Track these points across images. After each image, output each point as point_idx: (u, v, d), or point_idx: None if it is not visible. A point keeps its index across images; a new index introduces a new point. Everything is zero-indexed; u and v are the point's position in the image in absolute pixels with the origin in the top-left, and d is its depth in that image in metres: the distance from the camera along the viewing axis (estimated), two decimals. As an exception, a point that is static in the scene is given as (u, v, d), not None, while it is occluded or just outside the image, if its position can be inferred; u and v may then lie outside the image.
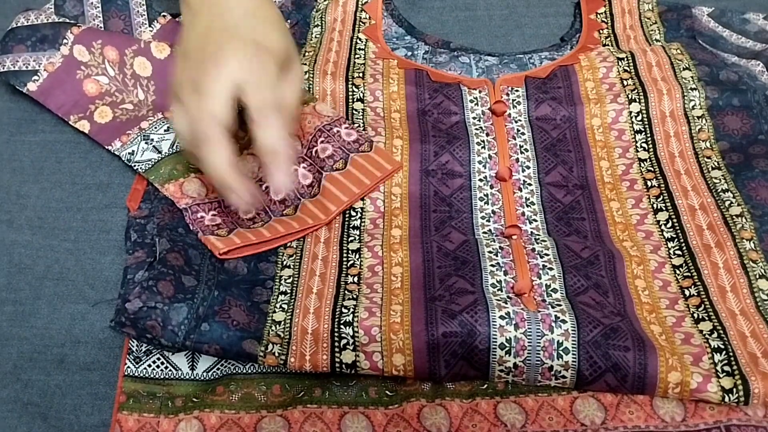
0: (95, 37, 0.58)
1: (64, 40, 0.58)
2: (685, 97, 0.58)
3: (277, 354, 0.44)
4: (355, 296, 0.47)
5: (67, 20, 0.60)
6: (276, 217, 0.52)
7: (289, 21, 0.66)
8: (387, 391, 0.45)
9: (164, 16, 0.62)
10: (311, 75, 0.61)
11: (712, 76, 0.59)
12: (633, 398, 0.44)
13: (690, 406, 0.44)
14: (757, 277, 0.47)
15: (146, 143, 0.54)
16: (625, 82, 0.60)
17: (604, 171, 0.56)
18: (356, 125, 0.57)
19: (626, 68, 0.61)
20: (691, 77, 0.59)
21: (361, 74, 0.62)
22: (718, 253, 0.49)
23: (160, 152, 0.54)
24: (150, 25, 0.62)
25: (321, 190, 0.53)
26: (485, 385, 0.45)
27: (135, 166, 0.54)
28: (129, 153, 0.54)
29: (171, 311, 0.45)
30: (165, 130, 0.55)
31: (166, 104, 0.56)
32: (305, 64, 0.62)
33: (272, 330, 0.45)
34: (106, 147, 0.56)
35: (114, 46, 0.58)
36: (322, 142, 0.54)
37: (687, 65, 0.60)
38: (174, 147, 0.54)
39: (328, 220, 0.52)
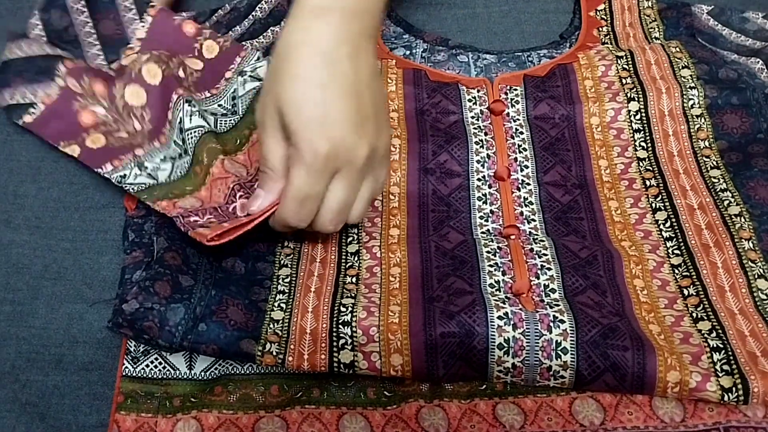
0: (85, 71, 0.57)
1: (57, 72, 0.57)
2: (684, 96, 0.58)
3: (275, 353, 0.44)
4: (353, 294, 0.47)
5: (59, 50, 0.58)
6: None
7: (284, 21, 0.66)
8: (385, 392, 0.45)
9: (152, 6, 0.61)
10: None
11: (711, 75, 0.59)
12: (632, 399, 0.44)
13: (689, 407, 0.43)
14: (756, 276, 0.47)
15: (139, 170, 0.52)
16: (623, 81, 0.60)
17: (602, 170, 0.56)
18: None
19: (625, 66, 0.61)
20: (690, 76, 0.59)
21: None
22: (717, 253, 0.49)
23: (155, 179, 0.52)
24: (141, 20, 0.60)
25: None
26: (484, 386, 0.45)
27: (126, 187, 0.52)
28: (120, 176, 0.52)
29: (168, 312, 0.45)
30: (161, 160, 0.53)
31: (161, 130, 0.54)
32: None
33: (270, 328, 0.45)
34: (95, 170, 0.53)
35: (101, 80, 0.56)
36: None
37: (686, 63, 0.60)
38: (171, 177, 0.52)
39: None
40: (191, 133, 0.53)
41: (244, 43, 0.65)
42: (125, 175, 0.52)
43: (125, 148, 0.54)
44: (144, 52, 0.57)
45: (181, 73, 0.57)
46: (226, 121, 0.56)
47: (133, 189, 0.51)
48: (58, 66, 0.56)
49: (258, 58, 0.58)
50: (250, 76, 0.57)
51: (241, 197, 0.50)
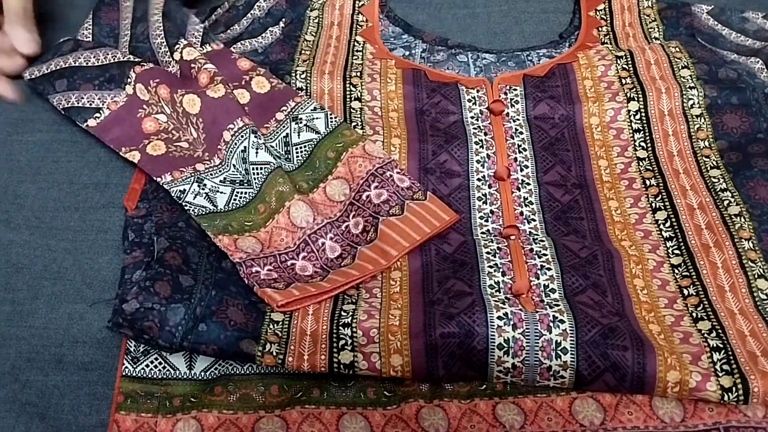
0: (153, 75, 0.57)
1: (128, 80, 0.58)
2: (684, 96, 0.58)
3: (275, 354, 0.44)
4: (354, 300, 0.47)
5: (132, 59, 0.59)
6: (334, 269, 0.50)
7: (283, 19, 0.66)
8: (385, 392, 0.45)
9: (217, 43, 0.62)
10: (309, 75, 0.60)
11: (711, 75, 0.59)
12: (632, 399, 0.44)
13: (689, 407, 0.43)
14: (756, 276, 0.47)
15: (199, 186, 0.52)
16: (623, 81, 0.60)
17: (602, 170, 0.56)
18: (406, 172, 0.54)
19: (624, 66, 0.61)
20: (690, 76, 0.59)
21: (358, 74, 0.61)
22: (717, 253, 0.49)
23: (215, 205, 0.51)
24: (202, 47, 0.62)
25: (379, 235, 0.51)
26: (484, 386, 0.45)
27: (186, 206, 0.51)
28: (179, 191, 0.52)
29: (168, 312, 0.45)
30: (221, 181, 0.52)
31: (217, 145, 0.54)
32: (302, 66, 0.62)
33: (270, 329, 0.45)
34: (155, 178, 0.53)
35: (166, 84, 0.57)
36: (376, 187, 0.52)
37: (686, 63, 0.60)
38: (230, 205, 0.52)
39: (389, 264, 0.49)
40: (257, 168, 0.53)
41: (243, 41, 0.65)
42: (184, 190, 0.52)
43: (185, 160, 0.54)
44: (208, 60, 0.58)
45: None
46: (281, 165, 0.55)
47: (193, 211, 0.51)
48: (130, 73, 0.57)
49: (314, 108, 0.57)
50: (306, 125, 0.56)
51: (303, 258, 0.49)
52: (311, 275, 0.49)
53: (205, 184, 0.52)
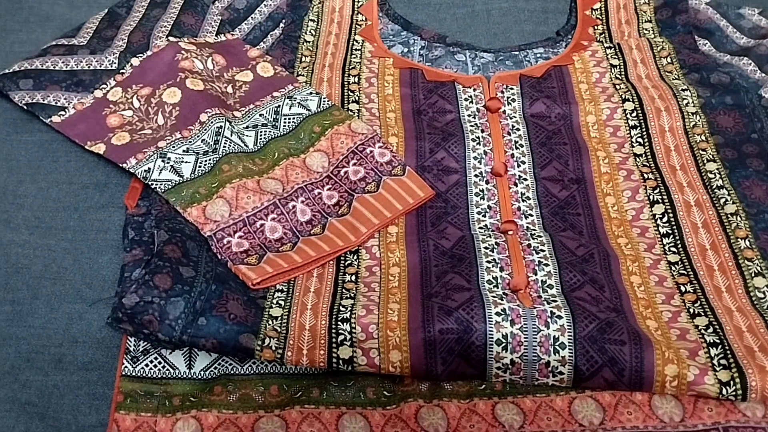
0: (137, 81, 0.59)
1: (103, 86, 0.59)
2: (677, 96, 0.58)
3: (274, 348, 0.44)
4: (352, 295, 0.47)
5: (109, 68, 0.60)
6: (304, 237, 0.51)
7: (284, 21, 0.66)
8: (385, 392, 0.45)
9: (232, 34, 0.65)
10: (309, 79, 0.62)
11: (703, 81, 0.60)
12: (631, 399, 0.44)
13: (689, 407, 0.43)
14: (753, 275, 0.48)
15: (163, 161, 0.53)
16: (617, 86, 0.61)
17: (600, 160, 0.56)
18: (390, 145, 0.56)
19: (617, 76, 0.61)
20: (682, 80, 0.59)
21: (356, 80, 0.62)
22: (713, 256, 0.49)
23: (180, 175, 0.53)
24: (217, 35, 0.65)
25: (351, 210, 0.52)
26: (483, 386, 0.45)
27: (153, 184, 0.52)
28: (145, 171, 0.53)
29: (168, 305, 0.45)
30: (184, 151, 0.54)
31: (187, 126, 0.56)
32: (302, 74, 0.63)
33: (269, 324, 0.45)
34: (121, 165, 0.54)
35: (150, 86, 0.58)
36: (354, 164, 0.54)
37: (677, 75, 0.60)
38: (196, 172, 0.53)
39: (359, 241, 0.50)
40: (228, 142, 0.55)
41: None
42: (149, 169, 0.53)
43: (148, 143, 0.55)
44: (197, 57, 0.60)
45: (229, 89, 0.59)
46: (265, 131, 0.57)
47: (160, 188, 0.52)
48: (109, 80, 0.59)
49: (310, 93, 0.59)
50: (299, 103, 0.58)
51: (273, 219, 0.51)
52: (280, 238, 0.50)
53: (169, 158, 0.54)
